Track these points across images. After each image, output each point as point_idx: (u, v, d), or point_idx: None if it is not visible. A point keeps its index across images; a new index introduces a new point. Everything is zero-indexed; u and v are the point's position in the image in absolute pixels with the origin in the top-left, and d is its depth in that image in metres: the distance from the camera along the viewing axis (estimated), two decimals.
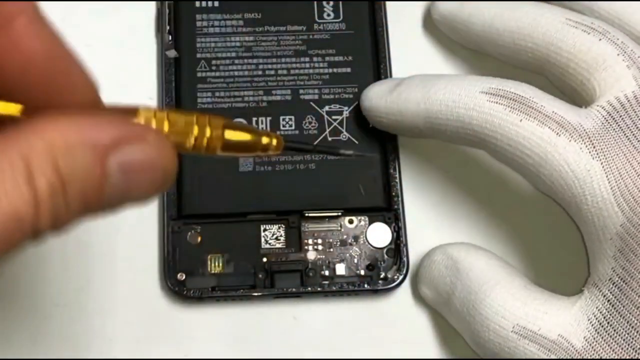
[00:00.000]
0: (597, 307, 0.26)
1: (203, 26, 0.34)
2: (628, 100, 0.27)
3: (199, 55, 0.33)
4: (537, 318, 0.26)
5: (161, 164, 0.20)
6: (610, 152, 0.26)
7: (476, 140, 0.28)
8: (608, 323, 0.26)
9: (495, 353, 0.27)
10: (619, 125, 0.27)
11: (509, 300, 0.27)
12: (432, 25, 0.35)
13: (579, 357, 0.25)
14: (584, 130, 0.27)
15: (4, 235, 0.18)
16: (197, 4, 0.34)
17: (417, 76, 0.30)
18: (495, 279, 0.28)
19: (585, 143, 0.26)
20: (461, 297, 0.28)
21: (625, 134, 0.27)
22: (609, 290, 0.26)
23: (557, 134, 0.27)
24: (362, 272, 0.31)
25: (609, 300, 0.26)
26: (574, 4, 0.31)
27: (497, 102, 0.27)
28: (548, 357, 0.26)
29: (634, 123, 0.27)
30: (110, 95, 0.33)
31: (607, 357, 0.25)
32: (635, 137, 0.26)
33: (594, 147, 0.26)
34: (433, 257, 0.30)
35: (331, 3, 0.34)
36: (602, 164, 0.26)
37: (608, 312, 0.26)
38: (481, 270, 0.28)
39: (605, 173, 0.26)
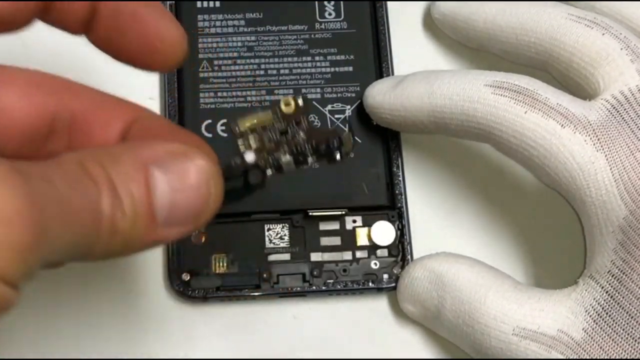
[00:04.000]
0: (594, 298, 0.26)
1: (205, 26, 0.34)
2: (632, 94, 0.27)
3: (200, 56, 0.33)
4: (535, 317, 0.26)
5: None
6: (615, 145, 0.26)
7: (481, 133, 0.28)
8: (607, 314, 0.26)
9: (498, 358, 0.27)
10: (623, 118, 0.27)
11: (505, 304, 0.27)
12: (433, 24, 0.35)
13: (579, 349, 0.25)
14: (588, 122, 0.27)
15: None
16: (199, 4, 0.34)
17: (420, 72, 0.30)
18: (485, 285, 0.28)
19: (589, 135, 0.26)
20: (454, 309, 0.28)
21: (629, 127, 0.27)
22: (607, 282, 0.26)
23: (562, 125, 0.27)
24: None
25: (607, 292, 0.26)
26: (575, 3, 0.31)
27: (501, 95, 0.27)
28: (549, 354, 0.26)
29: (638, 116, 0.27)
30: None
31: (607, 347, 0.25)
32: (639, 130, 0.26)
33: (598, 140, 0.26)
34: (413, 274, 0.30)
35: (332, 2, 0.34)
36: (606, 156, 0.26)
37: (606, 302, 0.26)
38: (468, 278, 0.28)
39: (609, 165, 0.26)
